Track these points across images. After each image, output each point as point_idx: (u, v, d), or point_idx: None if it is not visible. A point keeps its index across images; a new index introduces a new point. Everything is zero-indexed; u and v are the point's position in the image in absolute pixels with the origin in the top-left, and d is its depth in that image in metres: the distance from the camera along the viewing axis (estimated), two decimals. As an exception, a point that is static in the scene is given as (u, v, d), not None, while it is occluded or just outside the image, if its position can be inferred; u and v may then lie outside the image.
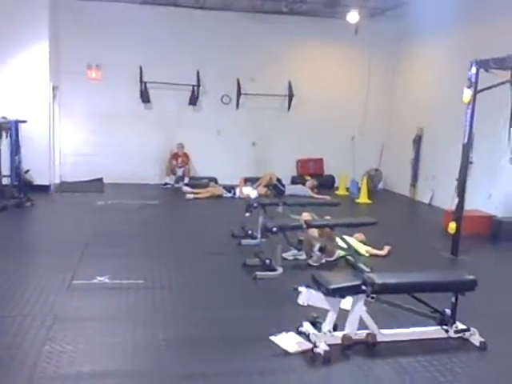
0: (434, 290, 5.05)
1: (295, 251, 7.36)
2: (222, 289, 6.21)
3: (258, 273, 6.52)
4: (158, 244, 8.12)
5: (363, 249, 7.75)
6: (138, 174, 14.18)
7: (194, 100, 14.46)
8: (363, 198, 13.25)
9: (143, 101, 14.17)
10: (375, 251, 7.68)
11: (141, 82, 13.93)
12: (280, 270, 6.64)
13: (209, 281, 6.47)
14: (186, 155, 14.33)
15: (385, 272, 5.05)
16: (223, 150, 14.97)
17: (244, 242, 8.06)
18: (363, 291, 4.65)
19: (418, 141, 13.50)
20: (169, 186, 13.91)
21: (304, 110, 15.25)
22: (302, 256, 7.43)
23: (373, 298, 4.66)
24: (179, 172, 14.29)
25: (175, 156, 14.27)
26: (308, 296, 4.85)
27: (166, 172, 14.26)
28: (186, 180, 14.12)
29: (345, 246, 7.28)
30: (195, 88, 14.27)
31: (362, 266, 6.96)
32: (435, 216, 11.01)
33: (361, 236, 8.04)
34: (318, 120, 15.27)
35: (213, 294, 6.05)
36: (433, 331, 5.09)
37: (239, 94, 14.53)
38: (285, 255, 7.19)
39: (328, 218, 7.53)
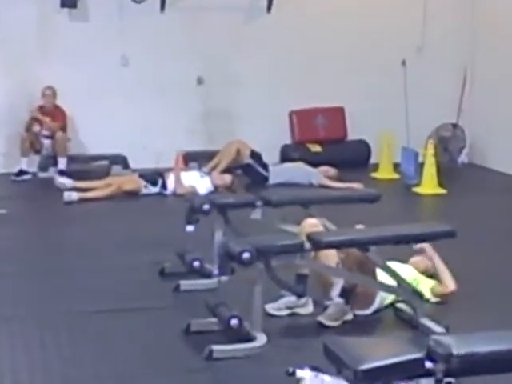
0: None
1: (292, 299, 5.45)
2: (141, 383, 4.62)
3: (214, 347, 4.82)
4: (7, 296, 6.00)
5: (428, 286, 5.66)
6: None
7: None
8: (428, 185, 9.78)
9: None
10: (446, 287, 5.76)
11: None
12: (261, 338, 4.93)
13: (115, 369, 4.73)
14: (59, 112, 10.36)
15: (470, 332, 3.36)
16: (138, 98, 10.87)
17: (185, 284, 6.02)
18: (429, 372, 3.16)
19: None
20: (27, 176, 10.13)
21: (301, 10, 11.02)
22: (306, 307, 5.46)
23: (449, 384, 3.27)
24: (47, 147, 10.32)
25: (38, 115, 10.39)
26: None
27: (20, 150, 10.24)
28: (62, 164, 10.23)
29: (392, 282, 5.23)
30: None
31: (426, 321, 5.11)
32: None
33: (424, 261, 5.89)
34: (329, 29, 11.18)
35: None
36: None
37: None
38: (270, 308, 5.36)
39: (359, 227, 5.62)
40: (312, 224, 5.38)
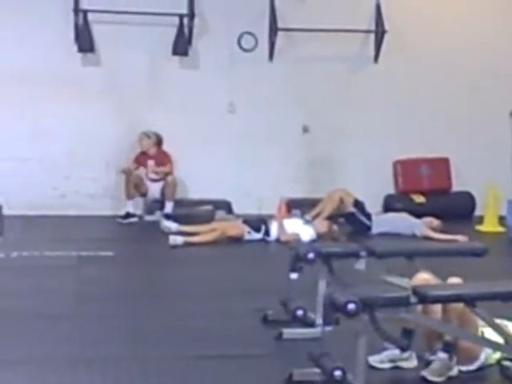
0: None
1: (395, 352, 5.29)
2: None
3: None
4: (113, 339, 5.90)
5: None
6: (68, 198, 10.56)
7: (182, 45, 10.87)
8: None
9: (81, 49, 10.48)
10: None
11: (76, 11, 10.28)
12: None
13: None
14: (164, 157, 10.46)
15: None
16: (243, 145, 10.91)
17: (288, 332, 5.92)
18: None
19: None
20: (134, 219, 10.20)
21: (409, 60, 11.05)
22: (410, 361, 5.31)
23: None
24: (153, 191, 10.38)
25: (142, 158, 10.41)
26: None
27: (125, 192, 10.29)
28: (169, 208, 10.27)
29: (500, 340, 5.00)
30: (185, 21, 10.75)
31: None
32: None
33: None
34: (437, 81, 11.15)
35: None
36: None
37: (274, 30, 10.82)
38: (373, 360, 5.22)
39: (454, 280, 5.45)
40: (423, 279, 5.24)
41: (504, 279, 5.75)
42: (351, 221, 9.71)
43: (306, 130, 10.81)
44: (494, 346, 5.11)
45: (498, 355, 5.24)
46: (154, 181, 10.23)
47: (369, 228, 9.65)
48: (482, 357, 5.22)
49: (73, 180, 10.51)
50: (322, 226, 9.24)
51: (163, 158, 10.29)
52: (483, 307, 5.01)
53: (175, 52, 10.43)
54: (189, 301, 6.92)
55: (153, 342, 5.83)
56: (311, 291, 5.87)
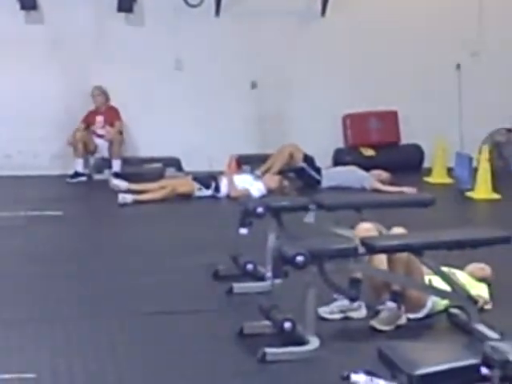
0: None
1: (345, 302, 5.43)
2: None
3: (267, 350, 4.81)
4: (63, 298, 5.91)
5: (483, 292, 5.61)
6: (15, 158, 10.50)
7: (127, 2, 10.79)
8: (482, 190, 9.65)
9: (24, 7, 10.38)
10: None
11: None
12: (314, 342, 4.90)
13: (169, 372, 4.70)
14: (112, 112, 10.47)
15: None
16: (192, 102, 10.90)
17: (239, 286, 6.01)
18: (485, 378, 3.25)
19: None
20: (82, 178, 10.19)
21: (355, 13, 11.03)
22: (359, 311, 5.45)
23: (506, 392, 3.23)
24: (101, 149, 10.44)
25: (91, 116, 10.38)
26: None
27: (73, 151, 10.25)
28: (117, 166, 10.26)
29: (446, 288, 5.20)
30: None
31: (481, 326, 5.09)
32: None
33: (482, 270, 5.82)
34: (383, 35, 11.08)
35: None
36: None
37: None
38: (323, 312, 5.33)
39: (398, 230, 5.69)
40: (366, 228, 5.44)
41: (451, 229, 5.92)
42: (301, 175, 9.79)
43: (254, 85, 10.86)
44: (442, 293, 5.25)
45: (445, 302, 5.33)
46: (102, 137, 10.26)
47: (319, 182, 9.72)
48: (429, 304, 5.32)
49: (19, 140, 10.45)
50: (272, 181, 9.30)
51: (112, 114, 10.32)
52: (430, 256, 5.10)
53: (120, 8, 10.36)
54: (139, 258, 6.92)
55: (103, 300, 5.81)
56: (261, 246, 6.06)
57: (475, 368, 3.43)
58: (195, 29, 10.55)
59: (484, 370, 3.36)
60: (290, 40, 10.71)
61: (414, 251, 5.07)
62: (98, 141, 10.03)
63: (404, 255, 5.21)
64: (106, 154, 10.13)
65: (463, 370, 3.46)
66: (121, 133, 10.14)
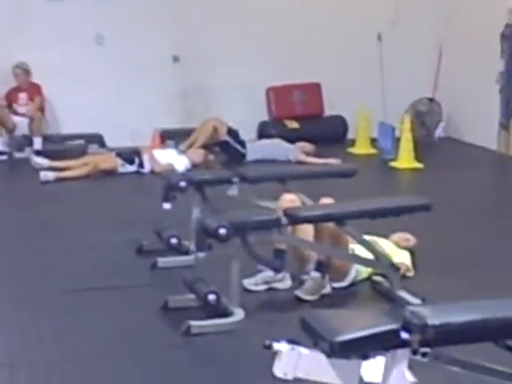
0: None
1: (269, 274, 5.44)
2: (120, 361, 4.48)
3: (192, 323, 4.84)
4: None
5: (406, 259, 5.66)
6: None
7: None
8: (405, 159, 9.67)
9: None
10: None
11: None
12: (239, 313, 4.97)
13: (92, 347, 4.71)
14: (34, 89, 10.39)
15: (447, 302, 3.36)
16: (113, 77, 10.73)
17: (163, 261, 5.98)
18: (405, 343, 3.11)
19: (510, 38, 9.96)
20: (2, 157, 10.05)
21: None
22: (284, 282, 5.50)
23: (425, 355, 3.05)
24: (21, 126, 10.26)
25: (13, 93, 10.28)
26: (294, 360, 3.83)
27: None
28: (38, 143, 10.15)
29: (369, 256, 5.26)
30: None
31: (403, 293, 5.20)
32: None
33: (407, 240, 5.88)
34: (303, 4, 11.00)
35: (104, 373, 4.40)
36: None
37: None
38: (247, 283, 5.39)
39: (326, 200, 5.64)
40: (289, 199, 5.40)
41: (373, 198, 6.02)
42: (226, 149, 9.71)
43: (176, 59, 10.72)
44: (365, 261, 5.33)
45: (368, 270, 5.42)
46: (22, 115, 10.10)
47: (243, 155, 9.68)
48: (353, 273, 5.38)
49: None
50: (197, 155, 9.25)
51: (34, 90, 10.18)
52: (354, 225, 5.14)
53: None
54: (62, 236, 6.85)
55: (26, 279, 5.73)
56: (186, 220, 5.97)
57: (395, 333, 3.31)
58: (115, 2, 10.39)
59: (404, 335, 3.26)
60: (211, 13, 10.63)
61: (337, 221, 5.08)
62: (18, 118, 9.91)
63: (330, 225, 5.21)
64: (26, 131, 9.91)
65: (383, 335, 3.35)
66: (42, 109, 9.98)
